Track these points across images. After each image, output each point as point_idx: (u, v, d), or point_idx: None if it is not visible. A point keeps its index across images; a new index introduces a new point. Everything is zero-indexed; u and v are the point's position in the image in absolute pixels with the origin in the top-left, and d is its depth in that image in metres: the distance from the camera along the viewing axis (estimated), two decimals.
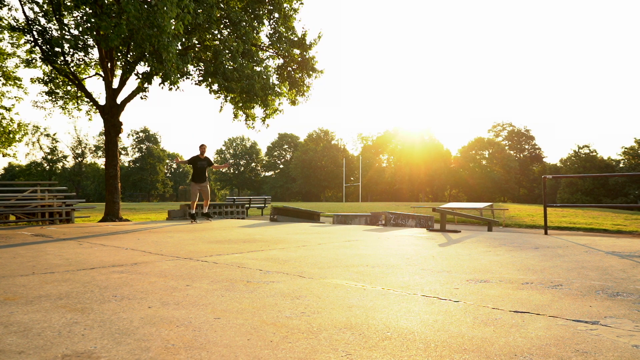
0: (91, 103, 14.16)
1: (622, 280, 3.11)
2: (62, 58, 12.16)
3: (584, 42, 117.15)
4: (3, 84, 15.55)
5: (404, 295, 2.66)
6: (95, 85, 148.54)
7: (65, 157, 72.72)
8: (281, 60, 14.46)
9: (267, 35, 14.01)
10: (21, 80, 15.73)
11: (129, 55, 11.92)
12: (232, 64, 12.20)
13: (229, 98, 13.87)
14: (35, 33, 11.76)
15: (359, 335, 1.89)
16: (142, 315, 2.18)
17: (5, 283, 3.04)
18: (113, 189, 12.48)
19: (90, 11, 10.66)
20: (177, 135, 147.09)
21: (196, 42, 12.90)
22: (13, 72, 15.43)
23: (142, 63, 10.99)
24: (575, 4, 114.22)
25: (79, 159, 73.52)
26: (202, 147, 10.52)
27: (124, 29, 8.76)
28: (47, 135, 69.32)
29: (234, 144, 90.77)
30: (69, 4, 11.66)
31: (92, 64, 14.08)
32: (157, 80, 10.89)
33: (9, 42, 14.04)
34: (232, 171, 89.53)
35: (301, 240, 6.17)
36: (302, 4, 13.71)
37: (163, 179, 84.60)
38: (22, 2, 11.55)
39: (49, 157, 70.28)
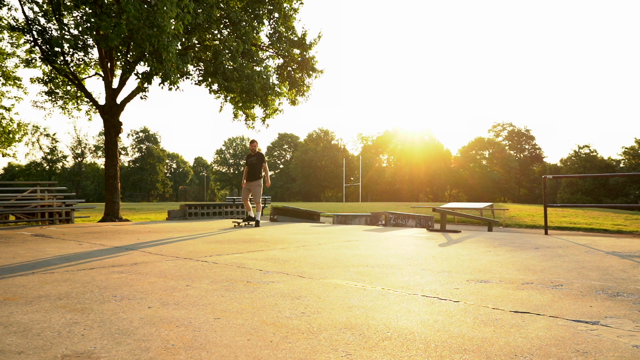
0: (91, 103, 14.16)
1: (622, 281, 3.11)
2: (61, 58, 12.15)
3: (584, 42, 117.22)
4: (3, 84, 15.55)
5: (404, 296, 2.66)
6: (95, 85, 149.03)
7: (65, 157, 72.74)
8: (281, 60, 14.46)
9: (267, 35, 14.02)
10: (21, 80, 15.73)
11: (128, 55, 11.92)
12: (232, 63, 12.21)
13: (229, 98, 13.88)
14: (34, 33, 11.76)
15: (359, 335, 1.89)
16: (142, 316, 2.18)
17: (5, 283, 3.03)
18: (113, 189, 12.48)
19: (90, 11, 10.66)
20: (177, 135, 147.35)
21: (196, 42, 12.89)
22: (13, 72, 15.43)
23: (142, 63, 10.98)
24: (575, 4, 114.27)
25: (79, 159, 73.53)
26: (252, 144, 9.63)
27: (123, 28, 8.76)
28: (47, 135, 69.35)
29: (234, 144, 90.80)
30: (68, 3, 11.66)
31: (92, 63, 14.08)
32: (157, 80, 10.89)
33: (8, 42, 14.04)
34: (232, 171, 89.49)
35: (301, 240, 6.17)
36: (302, 3, 13.71)
37: (163, 179, 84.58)
38: (22, 2, 11.55)
39: (49, 157, 70.28)
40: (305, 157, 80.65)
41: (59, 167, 72.21)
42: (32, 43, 11.99)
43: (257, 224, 9.39)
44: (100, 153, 73.76)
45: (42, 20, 11.98)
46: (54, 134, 70.14)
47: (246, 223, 9.53)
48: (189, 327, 1.99)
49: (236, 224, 9.46)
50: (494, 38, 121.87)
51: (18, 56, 14.39)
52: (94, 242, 5.83)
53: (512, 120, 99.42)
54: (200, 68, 13.37)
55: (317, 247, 5.31)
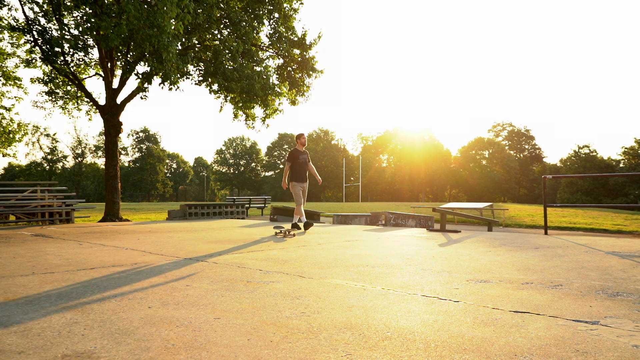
0: (91, 103, 14.16)
1: (622, 280, 3.11)
2: (62, 58, 12.16)
3: (584, 42, 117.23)
4: (3, 84, 15.55)
5: (404, 295, 2.66)
6: (95, 85, 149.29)
7: (65, 157, 72.73)
8: (281, 60, 14.46)
9: (267, 35, 14.02)
10: (21, 80, 15.72)
11: (129, 55, 11.92)
12: (232, 64, 12.21)
13: (229, 98, 13.88)
14: (35, 33, 11.76)
15: (359, 335, 1.89)
16: (142, 315, 2.18)
17: (5, 283, 3.04)
18: (113, 189, 12.48)
19: (90, 11, 10.67)
20: (177, 135, 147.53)
21: (196, 42, 12.90)
22: (13, 72, 15.43)
23: (142, 63, 10.98)
24: (575, 4, 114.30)
25: (79, 159, 73.51)
26: (302, 137, 8.04)
27: (124, 29, 8.76)
28: (47, 135, 69.33)
29: (234, 144, 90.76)
30: (69, 4, 11.66)
31: (92, 64, 14.09)
32: (157, 80, 10.89)
33: (9, 42, 14.04)
34: (231, 171, 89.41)
35: (301, 240, 6.17)
36: (302, 4, 13.71)
37: (163, 179, 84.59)
38: (22, 2, 11.55)
39: (49, 157, 70.27)
40: None
41: (59, 167, 72.19)
42: (32, 43, 12.00)
43: (305, 225, 7.93)
44: (100, 153, 73.76)
45: (43, 21, 11.99)
46: (54, 134, 70.15)
47: (289, 232, 6.88)
48: (189, 327, 2.00)
49: (281, 233, 6.89)
50: (494, 38, 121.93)
51: (18, 56, 14.39)
52: (94, 242, 5.83)
53: (512, 120, 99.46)
54: (200, 68, 13.37)
55: (317, 247, 5.32)
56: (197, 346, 1.74)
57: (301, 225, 7.92)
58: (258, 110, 14.26)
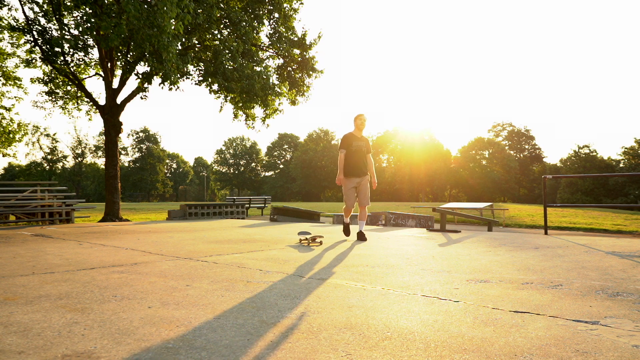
0: (91, 103, 14.17)
1: (622, 280, 3.11)
2: (62, 58, 12.16)
3: (584, 42, 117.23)
4: (3, 84, 15.56)
5: (404, 295, 2.66)
6: (95, 85, 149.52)
7: (65, 157, 72.68)
8: (281, 60, 14.47)
9: (267, 35, 14.03)
10: (21, 80, 15.74)
11: (129, 55, 11.92)
12: (232, 64, 12.21)
13: (229, 98, 13.89)
14: (35, 33, 11.76)
15: (359, 335, 1.89)
16: (142, 315, 2.18)
17: (5, 283, 3.04)
18: (113, 189, 12.48)
19: (90, 11, 10.67)
20: (177, 135, 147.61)
21: (196, 42, 12.90)
22: (13, 72, 15.44)
23: (142, 63, 10.99)
24: (575, 4, 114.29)
25: (79, 159, 73.47)
26: (359, 118, 6.15)
27: (124, 29, 8.77)
28: (47, 135, 69.27)
29: (234, 144, 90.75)
30: (69, 4, 11.66)
31: (92, 64, 14.09)
32: (157, 80, 10.90)
33: (9, 42, 14.05)
34: (231, 171, 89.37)
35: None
36: (302, 4, 13.72)
37: (163, 179, 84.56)
38: (22, 2, 11.55)
39: (49, 157, 70.23)
40: (305, 157, 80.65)
41: (59, 167, 72.13)
42: (33, 43, 12.00)
43: (363, 237, 6.09)
44: (100, 153, 73.73)
45: (43, 21, 11.99)
46: (54, 134, 70.05)
47: (311, 241, 5.68)
48: (189, 327, 2.00)
49: (306, 240, 5.74)
50: (494, 38, 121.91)
51: (18, 56, 14.40)
52: (94, 242, 5.83)
53: (512, 120, 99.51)
54: (200, 68, 13.38)
55: (317, 247, 5.32)
56: (197, 346, 1.74)
57: (348, 231, 6.46)
58: (258, 110, 14.28)
